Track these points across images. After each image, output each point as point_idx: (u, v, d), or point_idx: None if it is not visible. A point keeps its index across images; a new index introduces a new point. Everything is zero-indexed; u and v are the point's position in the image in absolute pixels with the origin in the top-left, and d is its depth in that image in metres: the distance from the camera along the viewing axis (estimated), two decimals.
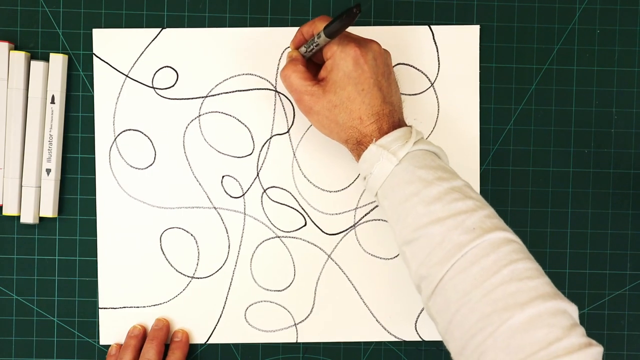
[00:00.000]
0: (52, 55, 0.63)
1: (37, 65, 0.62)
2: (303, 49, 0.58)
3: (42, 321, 0.65)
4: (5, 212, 0.63)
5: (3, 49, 0.62)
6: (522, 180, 0.65)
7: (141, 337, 0.63)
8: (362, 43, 0.55)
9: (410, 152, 0.52)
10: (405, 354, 0.65)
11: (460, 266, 0.47)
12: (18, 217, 0.64)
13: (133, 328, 0.63)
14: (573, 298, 0.66)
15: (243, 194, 0.65)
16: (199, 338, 0.64)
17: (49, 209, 0.63)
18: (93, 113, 0.64)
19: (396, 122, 0.55)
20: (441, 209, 0.49)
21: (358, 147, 0.55)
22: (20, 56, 0.62)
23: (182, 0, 0.64)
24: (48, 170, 0.63)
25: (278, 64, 0.64)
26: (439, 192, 0.50)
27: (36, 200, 0.63)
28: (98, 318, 0.64)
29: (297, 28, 0.61)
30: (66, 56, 0.63)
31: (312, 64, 0.60)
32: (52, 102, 0.63)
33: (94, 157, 0.64)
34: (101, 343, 0.64)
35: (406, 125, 0.56)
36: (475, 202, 0.50)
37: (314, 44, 0.56)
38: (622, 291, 0.66)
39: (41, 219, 0.64)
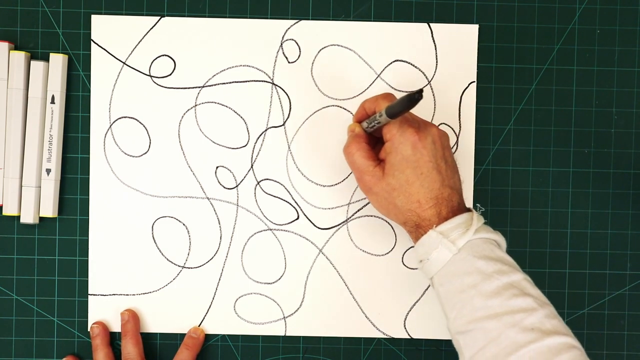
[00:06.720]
0: (52, 55, 0.63)
1: (37, 65, 0.62)
2: (365, 124, 0.58)
3: (42, 321, 0.65)
4: (5, 212, 0.63)
5: (3, 49, 0.62)
6: (522, 180, 0.65)
7: (104, 334, 0.63)
8: (421, 127, 0.55)
9: (471, 240, 0.52)
10: (405, 354, 0.65)
11: None
12: (18, 217, 0.64)
13: (92, 328, 0.64)
14: (573, 298, 0.66)
15: (236, 186, 0.65)
16: (187, 328, 0.65)
17: (49, 209, 0.63)
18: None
19: (455, 206, 0.54)
20: (499, 304, 0.49)
21: (416, 230, 0.54)
22: (20, 56, 0.62)
23: None
24: (48, 170, 0.63)
25: (276, 57, 0.64)
26: (497, 287, 0.50)
27: (36, 200, 0.63)
28: (87, 304, 0.64)
29: (296, 20, 0.62)
30: (66, 56, 0.63)
31: (373, 137, 0.59)
32: (52, 102, 0.63)
33: None
34: (88, 329, 0.64)
35: (466, 208, 0.56)
36: (534, 299, 0.49)
37: (376, 122, 0.56)
38: (622, 291, 0.66)
39: (41, 219, 0.64)
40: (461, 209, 0.55)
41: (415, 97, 0.51)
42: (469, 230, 0.52)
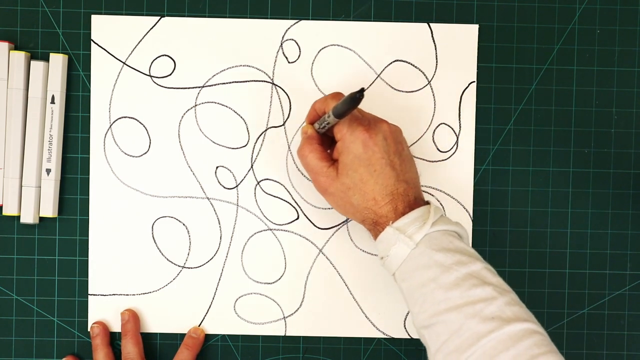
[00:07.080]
0: (52, 55, 0.63)
1: (37, 65, 0.62)
2: (317, 125, 0.58)
3: (42, 321, 0.65)
4: (5, 212, 0.63)
5: (3, 49, 0.62)
6: (522, 180, 0.65)
7: (104, 334, 0.63)
8: (371, 124, 0.55)
9: (428, 233, 0.52)
10: (405, 354, 0.65)
11: (478, 359, 0.46)
12: (18, 217, 0.64)
13: (92, 328, 0.64)
14: (573, 298, 0.66)
15: (236, 186, 0.65)
16: (187, 328, 0.65)
17: (49, 209, 0.63)
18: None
19: (412, 200, 0.54)
20: (459, 295, 0.48)
21: (375, 227, 0.54)
22: (20, 56, 0.62)
23: None
24: (48, 170, 0.63)
25: (276, 57, 0.64)
26: (456, 278, 0.49)
27: (36, 200, 0.63)
28: (87, 304, 0.64)
29: (296, 20, 0.61)
30: (66, 56, 0.63)
31: (327, 137, 0.59)
32: (52, 102, 0.63)
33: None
34: (88, 329, 0.64)
35: (424, 201, 0.55)
36: (494, 288, 0.49)
37: (325, 122, 0.56)
38: (622, 291, 0.66)
39: (41, 219, 0.64)
40: (418, 202, 0.55)
41: (356, 96, 0.51)
42: (425, 223, 0.52)
